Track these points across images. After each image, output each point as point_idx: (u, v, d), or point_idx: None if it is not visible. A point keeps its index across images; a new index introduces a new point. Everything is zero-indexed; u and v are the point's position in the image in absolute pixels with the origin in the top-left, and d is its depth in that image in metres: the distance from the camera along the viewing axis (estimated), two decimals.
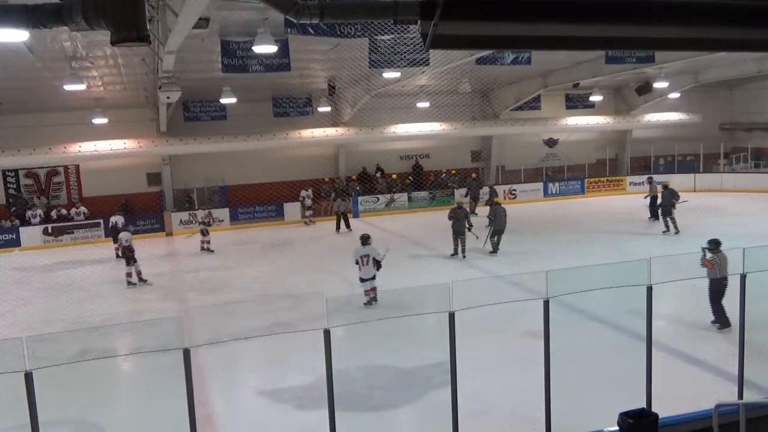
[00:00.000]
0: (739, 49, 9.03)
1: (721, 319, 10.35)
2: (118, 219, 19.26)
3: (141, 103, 21.89)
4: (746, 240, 11.49)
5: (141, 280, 15.67)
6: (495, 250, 16.81)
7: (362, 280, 12.30)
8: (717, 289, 10.24)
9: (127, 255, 15.57)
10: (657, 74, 23.48)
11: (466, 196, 23.96)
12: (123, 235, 16.07)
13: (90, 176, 23.35)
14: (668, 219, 18.83)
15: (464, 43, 4.77)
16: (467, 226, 16.58)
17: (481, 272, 14.81)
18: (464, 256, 16.62)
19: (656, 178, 22.84)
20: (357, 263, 12.31)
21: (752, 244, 7.75)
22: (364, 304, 12.18)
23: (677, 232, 18.44)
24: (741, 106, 30.53)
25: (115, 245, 18.06)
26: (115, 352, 9.29)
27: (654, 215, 20.73)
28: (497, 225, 16.87)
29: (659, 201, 19.65)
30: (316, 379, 8.18)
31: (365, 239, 12.47)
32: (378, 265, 12.19)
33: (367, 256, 12.22)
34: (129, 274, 15.56)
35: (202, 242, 19.71)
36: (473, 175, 26.92)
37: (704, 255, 10.20)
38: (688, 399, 7.26)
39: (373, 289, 12.24)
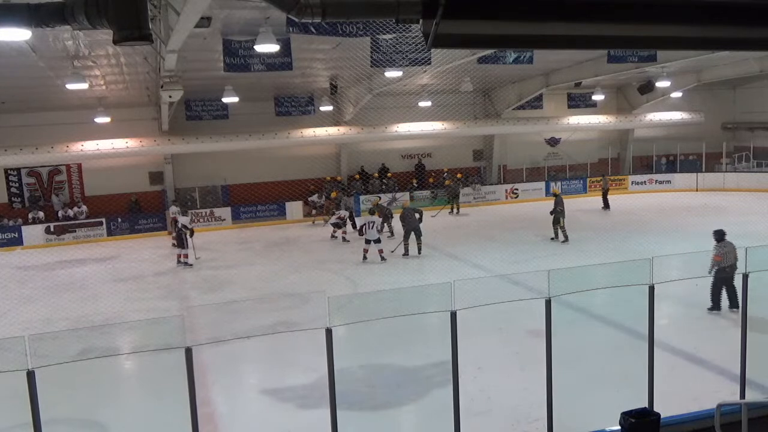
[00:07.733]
0: (740, 48, 9.01)
1: (714, 300, 10.88)
2: (175, 209, 20.20)
3: (143, 102, 21.89)
4: (749, 239, 11.44)
5: (185, 263, 17.17)
6: (407, 252, 17.09)
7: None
8: (722, 277, 10.60)
9: (181, 237, 17.28)
10: (659, 73, 23.47)
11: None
12: (182, 219, 17.82)
13: (92, 175, 23.34)
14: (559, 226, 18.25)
15: (466, 43, 4.78)
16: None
17: (483, 271, 14.80)
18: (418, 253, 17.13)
19: (660, 176, 22.73)
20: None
21: (755, 243, 7.74)
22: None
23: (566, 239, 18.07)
24: (743, 105, 30.47)
25: (173, 234, 19.46)
26: (118, 350, 9.30)
27: (606, 205, 24.04)
28: (410, 226, 17.14)
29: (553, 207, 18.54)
30: (318, 377, 8.20)
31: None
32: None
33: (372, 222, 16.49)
34: (181, 256, 17.29)
35: (179, 256, 17.50)
36: (447, 181, 25.67)
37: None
38: (690, 398, 7.28)
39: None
